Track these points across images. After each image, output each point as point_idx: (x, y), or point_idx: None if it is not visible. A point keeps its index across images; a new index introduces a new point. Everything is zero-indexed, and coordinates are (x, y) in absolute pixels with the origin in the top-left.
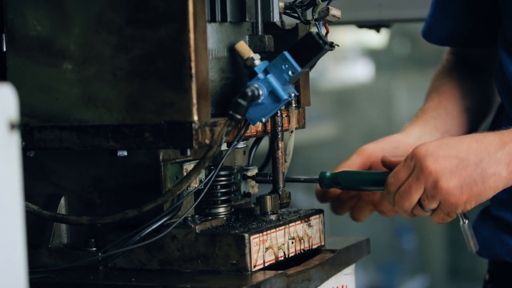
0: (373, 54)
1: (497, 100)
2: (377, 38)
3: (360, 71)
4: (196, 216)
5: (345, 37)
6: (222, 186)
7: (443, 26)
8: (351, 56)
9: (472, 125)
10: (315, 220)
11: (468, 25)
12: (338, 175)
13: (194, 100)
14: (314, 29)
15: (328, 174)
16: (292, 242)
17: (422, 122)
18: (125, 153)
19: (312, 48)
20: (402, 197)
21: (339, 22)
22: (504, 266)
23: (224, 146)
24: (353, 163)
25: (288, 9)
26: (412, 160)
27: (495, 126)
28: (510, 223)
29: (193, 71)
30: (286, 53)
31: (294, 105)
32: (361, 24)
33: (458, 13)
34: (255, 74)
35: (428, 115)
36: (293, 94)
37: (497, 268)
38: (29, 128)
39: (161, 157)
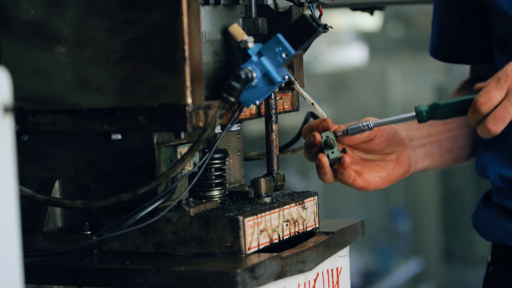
0: (367, 37)
1: None
2: (371, 21)
3: (354, 55)
4: (191, 199)
5: (339, 20)
6: (216, 169)
7: (456, 45)
8: (345, 40)
9: (474, 140)
10: (309, 202)
11: (478, 41)
12: (437, 106)
13: (188, 83)
14: (307, 12)
15: (425, 107)
16: (287, 225)
17: (415, 125)
18: (119, 137)
19: (305, 31)
20: (497, 121)
21: (333, 5)
22: (505, 249)
23: (218, 129)
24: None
25: None
26: (506, 81)
27: None
28: (510, 209)
29: (187, 54)
30: (279, 36)
31: (296, 82)
32: (355, 7)
33: (468, 33)
34: (249, 56)
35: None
36: (286, 77)
37: (499, 251)
38: (23, 112)
39: (155, 140)
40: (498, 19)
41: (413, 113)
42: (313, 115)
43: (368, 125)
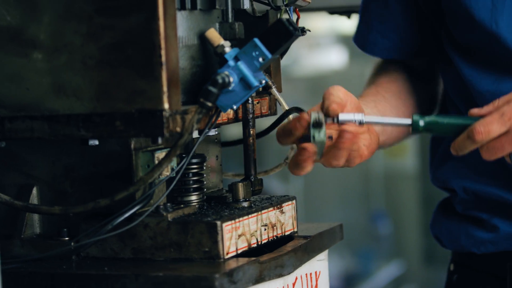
0: (346, 41)
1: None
2: (350, 25)
3: (334, 58)
4: (168, 204)
5: (318, 23)
6: (194, 174)
7: (386, 38)
8: (324, 43)
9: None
10: (287, 206)
11: (415, 35)
12: (435, 122)
13: (165, 88)
14: (285, 15)
15: (423, 120)
16: (265, 229)
17: (362, 100)
18: (97, 142)
19: (282, 35)
20: (493, 152)
21: (310, 9)
22: (470, 257)
23: (195, 134)
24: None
25: None
26: (510, 118)
27: None
28: (476, 217)
29: (163, 59)
30: (256, 40)
31: (273, 86)
32: (332, 10)
33: (404, 24)
34: (226, 61)
35: (368, 98)
36: (263, 81)
37: (463, 259)
38: (0, 118)
39: (132, 146)
40: (468, 28)
41: (409, 121)
42: (297, 110)
43: (360, 120)
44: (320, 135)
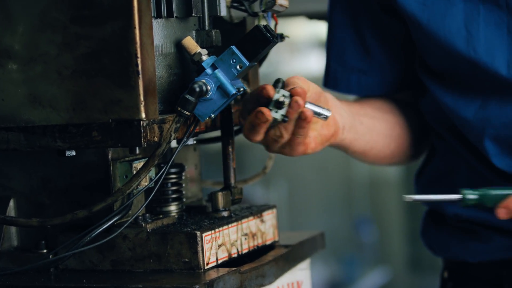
0: None
1: None
2: None
3: (315, 63)
4: (147, 215)
5: (299, 29)
6: (173, 184)
7: (370, 76)
8: (305, 49)
9: (401, 140)
10: (268, 215)
11: (398, 68)
12: (485, 199)
13: (142, 97)
14: (262, 22)
15: (472, 196)
16: (245, 239)
17: (349, 105)
18: (74, 153)
19: (259, 42)
20: None
21: (289, 14)
22: (465, 265)
23: (173, 143)
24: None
25: (235, 2)
26: None
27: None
28: (469, 228)
29: (140, 68)
30: (233, 47)
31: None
32: (311, 16)
33: (385, 59)
34: (203, 69)
35: (354, 104)
36: (242, 89)
37: (458, 268)
38: None
39: (110, 156)
40: (445, 57)
41: (459, 196)
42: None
43: (326, 115)
44: (277, 114)
